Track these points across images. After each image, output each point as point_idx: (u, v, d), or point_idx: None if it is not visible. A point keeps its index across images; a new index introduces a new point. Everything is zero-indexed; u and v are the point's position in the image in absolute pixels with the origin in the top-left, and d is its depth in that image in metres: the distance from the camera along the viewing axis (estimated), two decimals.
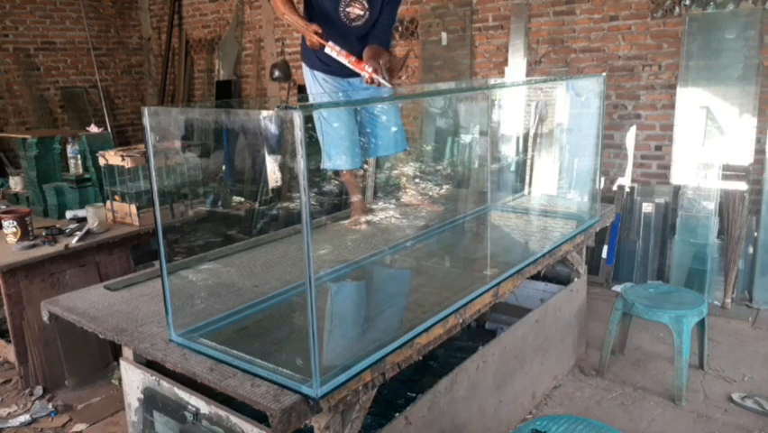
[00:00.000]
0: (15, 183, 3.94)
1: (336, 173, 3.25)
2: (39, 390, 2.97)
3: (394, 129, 2.94)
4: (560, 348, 2.94)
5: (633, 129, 4.31)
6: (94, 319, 2.03)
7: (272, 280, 2.33)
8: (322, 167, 2.92)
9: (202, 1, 7.10)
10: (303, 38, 2.77)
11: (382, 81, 2.57)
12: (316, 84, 2.88)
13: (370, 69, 2.58)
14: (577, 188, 3.51)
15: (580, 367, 3.10)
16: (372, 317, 2.16)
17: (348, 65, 2.63)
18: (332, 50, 2.64)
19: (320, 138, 2.87)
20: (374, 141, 2.96)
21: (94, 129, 4.01)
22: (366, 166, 4.78)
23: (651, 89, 4.25)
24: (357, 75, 2.76)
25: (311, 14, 2.75)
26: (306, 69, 2.95)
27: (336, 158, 2.83)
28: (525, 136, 4.54)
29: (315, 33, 2.61)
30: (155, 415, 1.92)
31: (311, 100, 2.91)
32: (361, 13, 2.72)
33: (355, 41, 2.74)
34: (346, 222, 2.98)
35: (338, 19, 2.71)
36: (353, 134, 2.82)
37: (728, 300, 3.77)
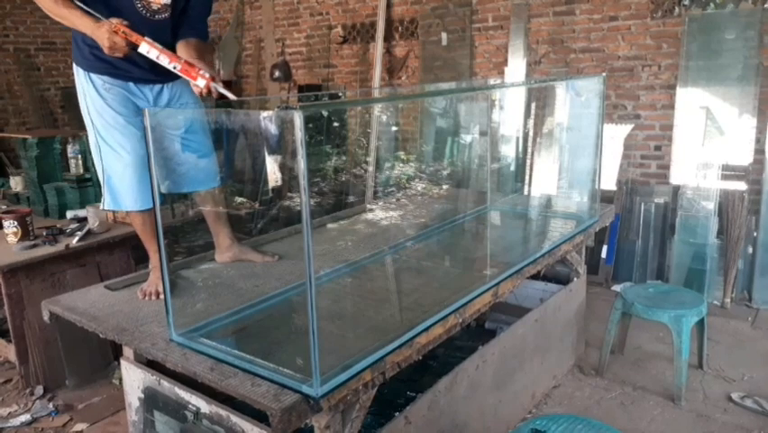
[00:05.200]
0: (16, 183, 3.95)
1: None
2: (39, 389, 2.97)
3: (204, 161, 2.37)
4: (559, 348, 2.94)
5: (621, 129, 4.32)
6: (94, 319, 2.04)
7: (272, 280, 2.34)
8: (102, 207, 2.33)
9: None
10: (75, 35, 2.13)
11: (222, 91, 2.01)
12: (95, 93, 2.17)
13: (207, 76, 2.00)
14: (576, 188, 3.51)
15: (580, 367, 3.11)
16: (372, 317, 2.17)
17: (173, 69, 2.00)
18: (151, 47, 1.97)
19: (99, 171, 2.27)
20: (178, 174, 2.35)
21: None
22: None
23: (650, 89, 4.25)
24: (150, 81, 2.23)
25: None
26: (79, 73, 2.20)
27: (126, 195, 2.23)
28: (525, 136, 4.55)
29: (118, 30, 1.93)
30: (156, 414, 1.93)
31: (88, 116, 2.23)
32: (166, 1, 2.14)
33: (161, 39, 2.05)
34: (139, 289, 2.26)
35: (134, 13, 2.07)
36: (145, 166, 2.12)
37: (728, 300, 3.77)
